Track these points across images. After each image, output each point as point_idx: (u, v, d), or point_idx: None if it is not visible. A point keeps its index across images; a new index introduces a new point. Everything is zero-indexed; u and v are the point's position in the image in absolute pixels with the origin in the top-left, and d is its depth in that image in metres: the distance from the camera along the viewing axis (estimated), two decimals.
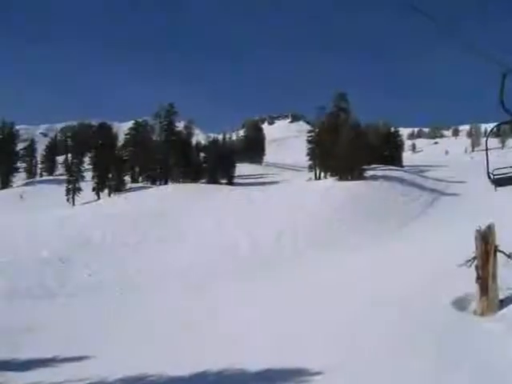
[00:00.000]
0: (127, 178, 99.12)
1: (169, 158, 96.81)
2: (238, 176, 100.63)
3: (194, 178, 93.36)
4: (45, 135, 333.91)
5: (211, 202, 64.71)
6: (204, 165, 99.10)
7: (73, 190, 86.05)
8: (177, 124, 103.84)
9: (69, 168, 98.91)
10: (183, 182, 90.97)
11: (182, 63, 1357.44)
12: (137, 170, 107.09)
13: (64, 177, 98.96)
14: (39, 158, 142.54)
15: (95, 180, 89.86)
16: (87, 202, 79.51)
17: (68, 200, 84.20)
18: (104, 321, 25.15)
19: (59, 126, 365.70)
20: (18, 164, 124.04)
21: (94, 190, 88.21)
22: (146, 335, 21.26)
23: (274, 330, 18.80)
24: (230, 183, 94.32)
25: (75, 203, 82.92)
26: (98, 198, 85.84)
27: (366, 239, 46.70)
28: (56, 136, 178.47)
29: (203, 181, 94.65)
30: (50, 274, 40.87)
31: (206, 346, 18.00)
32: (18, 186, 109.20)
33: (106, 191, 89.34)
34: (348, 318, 18.17)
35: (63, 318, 26.89)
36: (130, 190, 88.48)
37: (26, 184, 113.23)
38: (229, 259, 43.75)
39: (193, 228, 54.00)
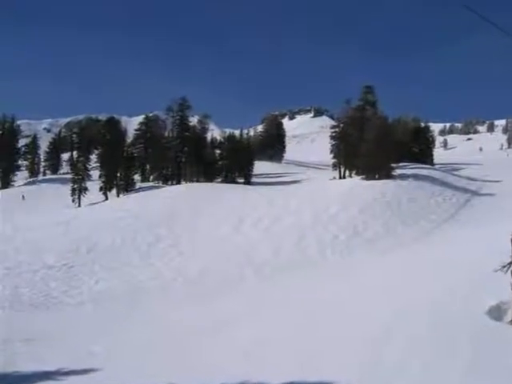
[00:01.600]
0: (137, 177, 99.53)
1: (181, 156, 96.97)
2: (256, 175, 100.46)
3: (209, 177, 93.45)
4: (48, 131, 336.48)
5: (227, 202, 64.76)
6: (219, 163, 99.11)
7: (78, 190, 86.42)
8: (190, 119, 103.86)
9: (74, 166, 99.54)
10: (197, 181, 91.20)
11: (196, 55, 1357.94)
12: (147, 168, 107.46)
13: (69, 176, 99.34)
14: (42, 156, 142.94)
15: (102, 179, 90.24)
16: (94, 203, 79.82)
17: (73, 201, 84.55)
18: (111, 331, 25.24)
19: (64, 120, 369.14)
20: (20, 162, 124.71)
21: (101, 189, 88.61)
22: (156, 346, 21.31)
23: (293, 340, 18.69)
24: (248, 182, 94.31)
25: (81, 204, 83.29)
26: (106, 198, 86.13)
27: (395, 242, 46.70)
28: (60, 132, 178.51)
29: (219, 180, 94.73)
30: (54, 281, 41.17)
31: (221, 358, 17.93)
32: (19, 186, 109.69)
33: (114, 191, 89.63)
34: (373, 326, 18.07)
35: (68, 327, 27.06)
36: (140, 189, 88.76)
37: (28, 183, 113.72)
38: (246, 263, 43.89)
39: (207, 231, 54.12)
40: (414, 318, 18.02)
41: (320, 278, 34.49)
